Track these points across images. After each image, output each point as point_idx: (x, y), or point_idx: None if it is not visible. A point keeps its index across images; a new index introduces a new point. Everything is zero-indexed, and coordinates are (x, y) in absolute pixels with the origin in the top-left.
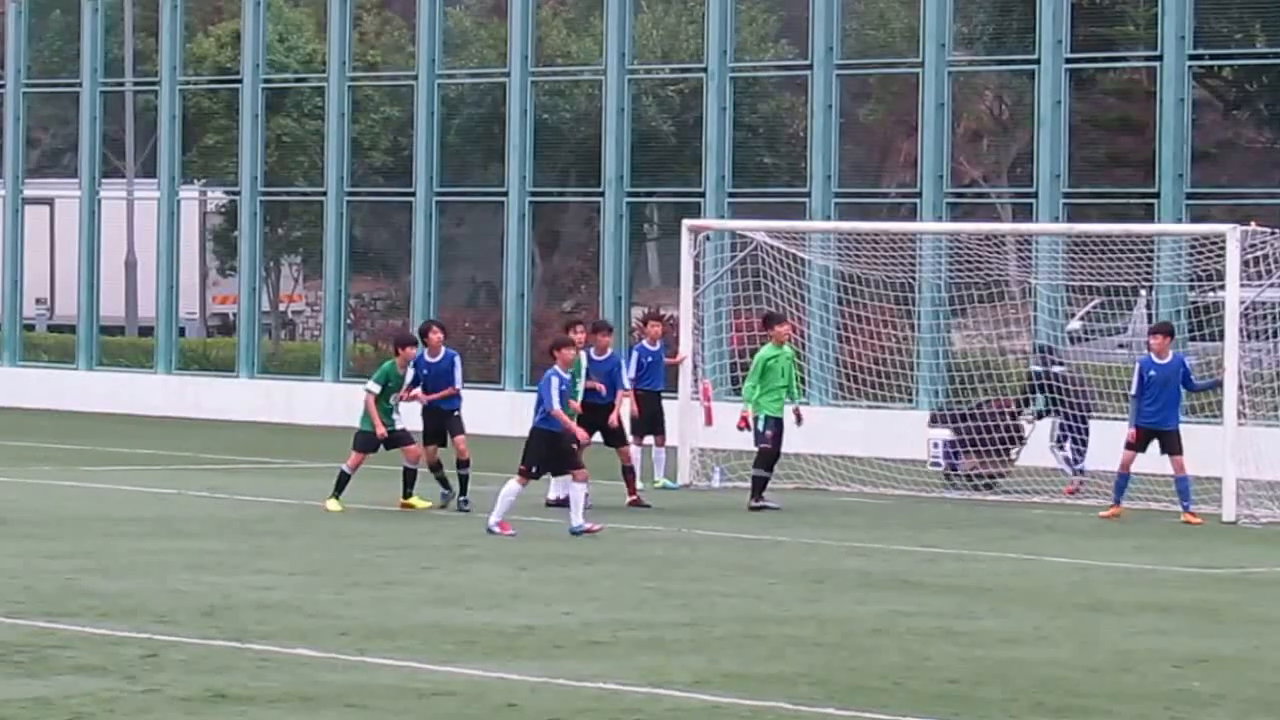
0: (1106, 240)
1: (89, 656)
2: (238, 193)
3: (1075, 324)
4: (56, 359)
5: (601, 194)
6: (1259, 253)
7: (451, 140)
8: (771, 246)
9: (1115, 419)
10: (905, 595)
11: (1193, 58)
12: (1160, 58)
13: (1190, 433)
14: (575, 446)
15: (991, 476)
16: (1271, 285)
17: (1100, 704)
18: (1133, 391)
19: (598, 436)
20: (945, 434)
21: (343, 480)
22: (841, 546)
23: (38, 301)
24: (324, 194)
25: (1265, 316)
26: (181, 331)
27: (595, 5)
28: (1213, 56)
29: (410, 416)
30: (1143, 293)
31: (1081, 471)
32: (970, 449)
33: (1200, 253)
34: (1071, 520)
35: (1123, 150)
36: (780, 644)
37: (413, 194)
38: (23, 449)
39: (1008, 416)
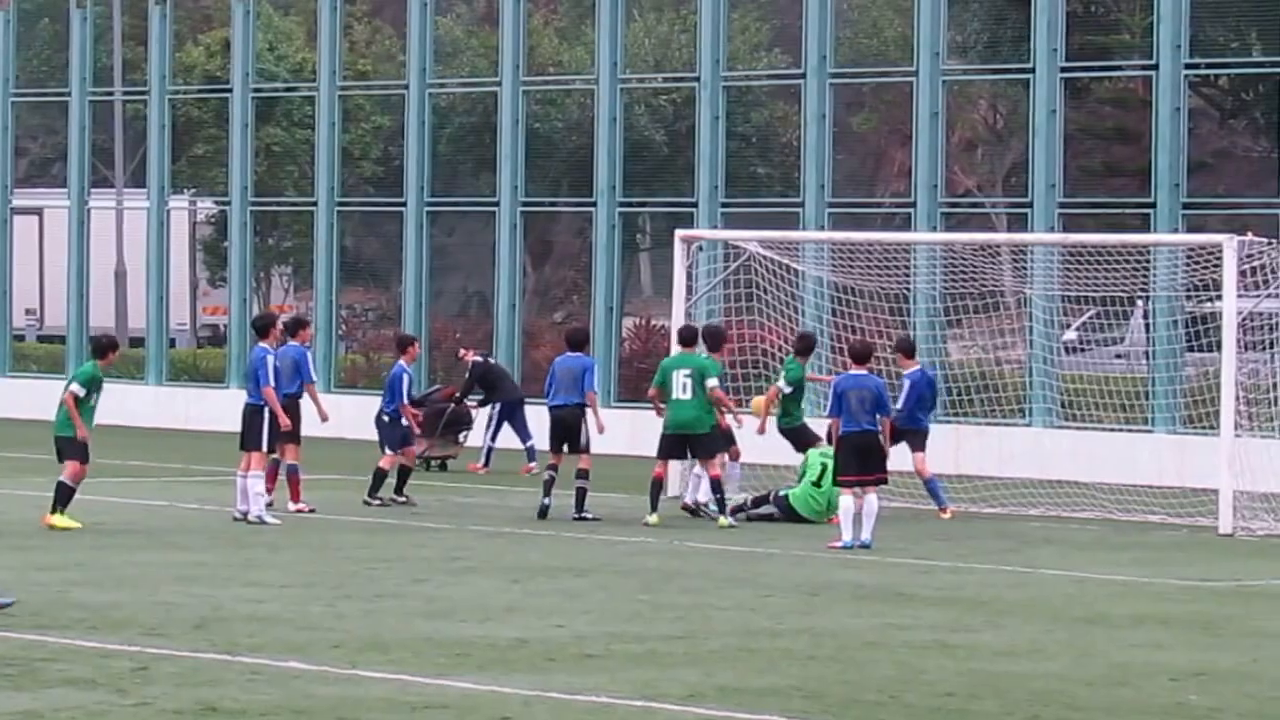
0: (1102, 250)
1: (79, 669)
2: (227, 202)
3: (1071, 334)
4: (46, 370)
5: (594, 204)
6: (1256, 263)
7: (442, 150)
8: (764, 257)
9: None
10: (900, 608)
11: (1189, 67)
12: (1156, 67)
13: (1186, 444)
14: None
15: (443, 458)
16: (1268, 295)
17: (1097, 717)
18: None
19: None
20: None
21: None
22: (836, 559)
23: (27, 312)
24: (314, 204)
25: (1262, 327)
26: (172, 342)
27: (587, 14)
28: (1209, 65)
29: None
30: (1139, 303)
31: (532, 451)
32: (423, 433)
33: (1197, 263)
34: (1068, 532)
35: (1118, 159)
36: (774, 657)
37: (404, 204)
38: (12, 460)
39: (454, 403)
